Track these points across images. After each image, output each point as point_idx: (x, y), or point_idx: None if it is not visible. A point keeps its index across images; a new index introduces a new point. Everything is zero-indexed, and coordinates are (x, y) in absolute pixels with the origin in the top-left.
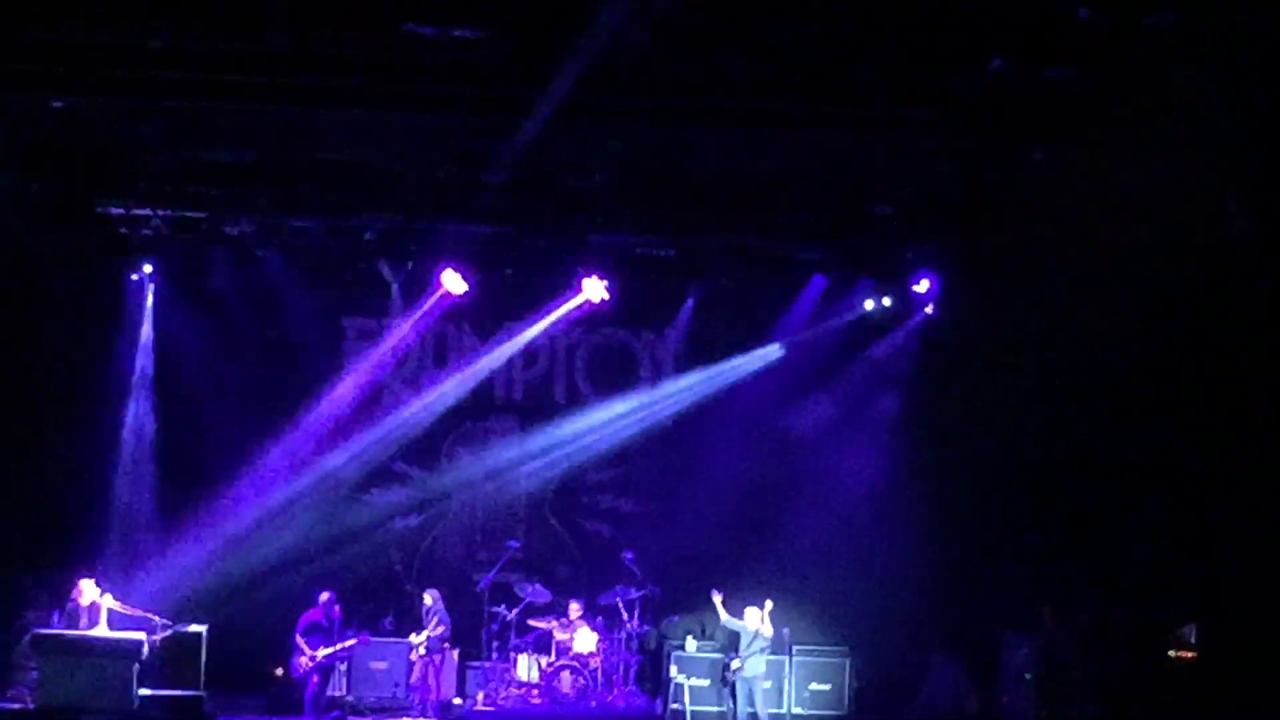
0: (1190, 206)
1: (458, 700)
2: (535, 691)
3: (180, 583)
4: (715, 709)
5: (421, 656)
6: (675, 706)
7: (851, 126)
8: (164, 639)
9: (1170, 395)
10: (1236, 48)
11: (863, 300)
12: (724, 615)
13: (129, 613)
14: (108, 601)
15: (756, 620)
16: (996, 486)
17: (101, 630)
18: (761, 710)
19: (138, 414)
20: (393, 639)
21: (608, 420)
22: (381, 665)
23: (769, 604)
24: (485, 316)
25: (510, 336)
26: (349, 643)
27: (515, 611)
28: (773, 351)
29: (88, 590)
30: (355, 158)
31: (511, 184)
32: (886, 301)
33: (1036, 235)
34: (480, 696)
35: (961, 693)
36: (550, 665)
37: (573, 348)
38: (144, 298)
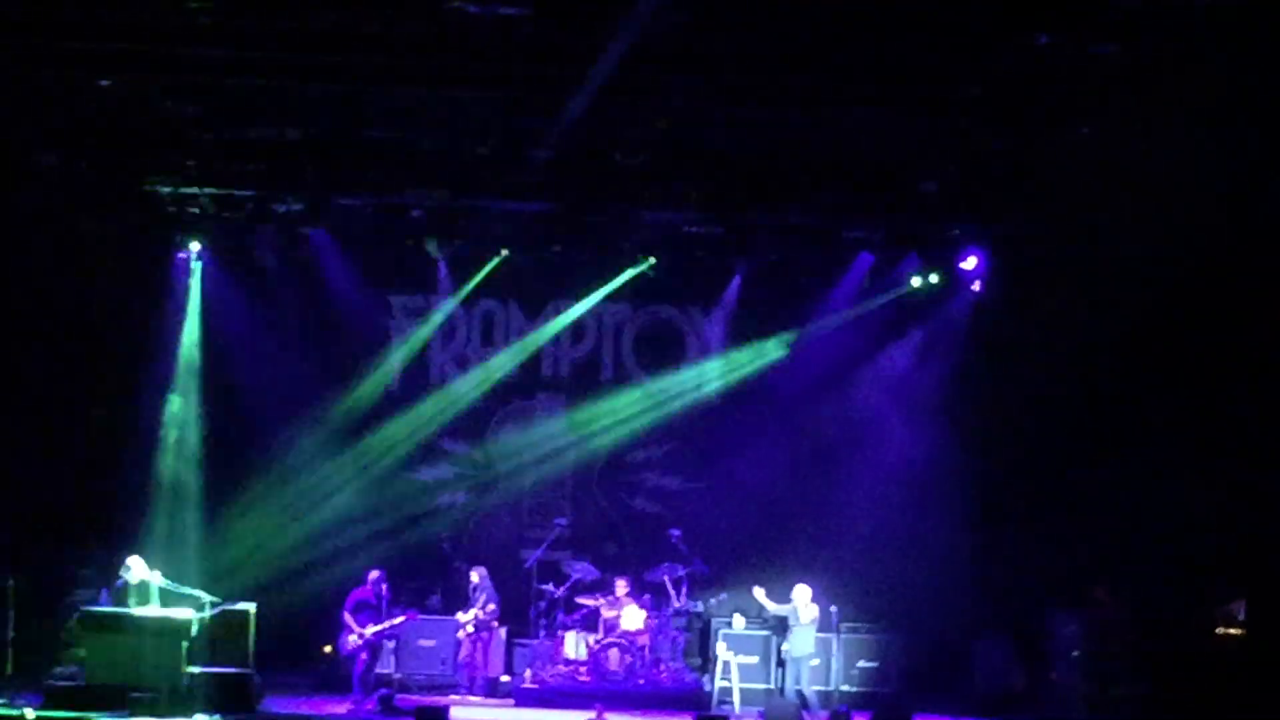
0: (1236, 180)
1: (505, 678)
2: (583, 669)
3: (228, 561)
4: (763, 686)
5: (469, 634)
6: (723, 683)
7: (898, 103)
8: (212, 617)
9: (1220, 371)
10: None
11: (909, 277)
12: (771, 606)
13: (178, 590)
14: (157, 578)
15: (804, 599)
16: (1044, 463)
17: (152, 607)
18: (807, 688)
19: (184, 393)
20: (441, 616)
21: (654, 397)
22: (430, 643)
23: (803, 587)
24: (532, 294)
25: (557, 313)
26: (397, 620)
27: (563, 589)
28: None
29: (137, 567)
30: (402, 136)
31: (558, 162)
32: (934, 279)
33: (1083, 211)
34: (528, 674)
35: (1010, 670)
36: (598, 643)
37: (620, 325)
38: (191, 276)
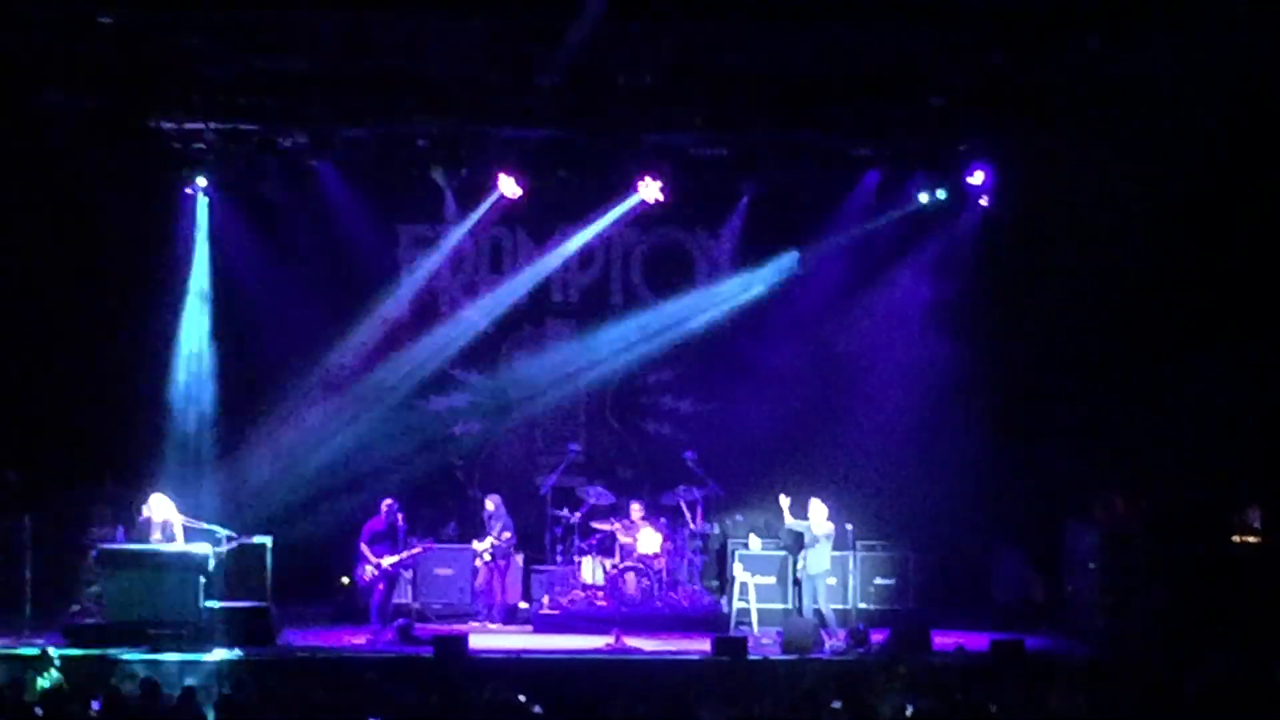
0: (1248, 93)
1: (523, 604)
2: (600, 593)
3: (243, 495)
4: (780, 606)
5: (486, 562)
6: (741, 604)
7: (903, 18)
8: (229, 551)
9: (1231, 281)
10: None
11: (917, 194)
12: (789, 519)
13: (194, 526)
14: (176, 515)
15: (820, 515)
16: (1056, 376)
17: (175, 544)
18: (825, 606)
19: (195, 327)
20: (457, 545)
21: (665, 321)
22: (447, 572)
23: (818, 503)
24: (540, 220)
25: (565, 239)
26: (414, 550)
27: (578, 514)
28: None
29: (158, 506)
30: (406, 65)
31: (563, 86)
32: (941, 195)
33: (1091, 124)
34: (546, 600)
35: (1027, 583)
36: (615, 567)
37: (628, 249)
38: (198, 211)
